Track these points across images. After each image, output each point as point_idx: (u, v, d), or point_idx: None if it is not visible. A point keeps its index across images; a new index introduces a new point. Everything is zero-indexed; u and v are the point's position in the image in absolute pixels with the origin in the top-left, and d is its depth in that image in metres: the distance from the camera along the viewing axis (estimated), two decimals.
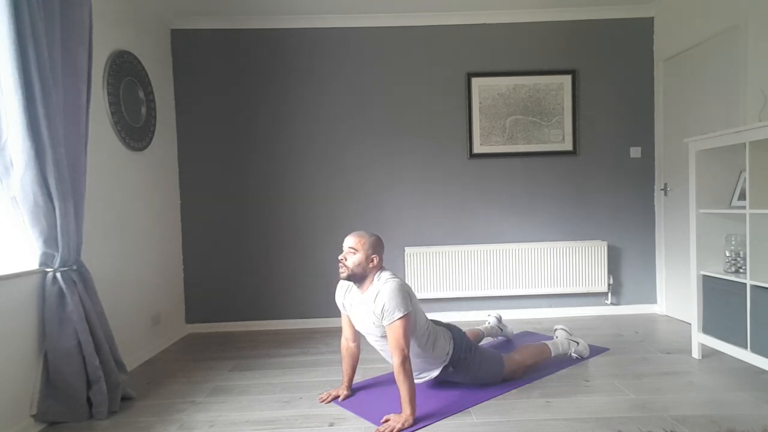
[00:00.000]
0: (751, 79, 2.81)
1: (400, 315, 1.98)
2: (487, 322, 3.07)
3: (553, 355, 2.59)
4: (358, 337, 2.34)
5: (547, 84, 3.72)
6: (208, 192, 3.71)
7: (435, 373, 2.28)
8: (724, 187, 2.64)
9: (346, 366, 2.34)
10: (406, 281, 3.65)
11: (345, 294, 2.26)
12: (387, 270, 2.16)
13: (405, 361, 1.97)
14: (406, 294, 2.04)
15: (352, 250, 2.09)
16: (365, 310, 2.12)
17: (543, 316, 3.75)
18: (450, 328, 2.36)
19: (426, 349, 2.19)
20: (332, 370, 2.71)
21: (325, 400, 2.26)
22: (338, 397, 2.28)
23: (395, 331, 1.99)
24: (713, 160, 2.64)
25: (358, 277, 2.12)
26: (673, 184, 3.59)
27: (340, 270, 2.12)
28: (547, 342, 2.63)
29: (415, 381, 2.25)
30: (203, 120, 3.69)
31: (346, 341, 2.34)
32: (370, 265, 2.10)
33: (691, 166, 2.67)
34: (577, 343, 2.72)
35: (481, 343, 2.85)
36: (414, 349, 2.14)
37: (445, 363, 2.26)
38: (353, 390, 2.37)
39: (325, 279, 3.74)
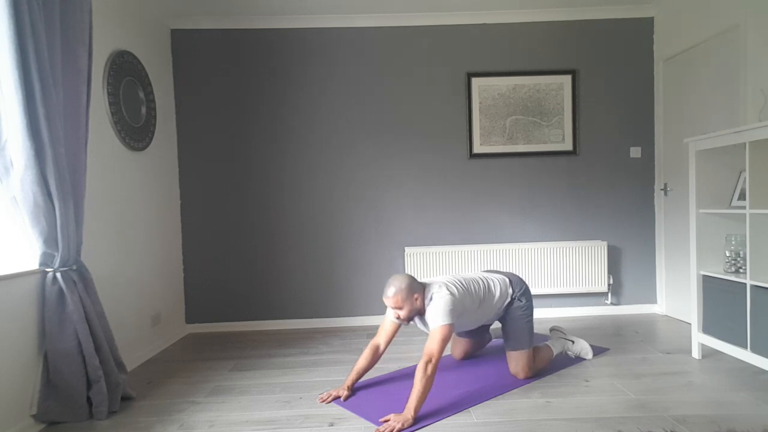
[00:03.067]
0: (751, 79, 2.81)
1: (442, 323, 2.14)
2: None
3: (554, 354, 2.63)
4: (388, 345, 2.42)
5: (547, 84, 3.72)
6: (208, 192, 3.71)
7: (503, 311, 2.48)
8: (724, 187, 2.64)
9: (361, 364, 2.37)
10: None
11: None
12: (431, 286, 2.29)
13: (430, 362, 2.05)
14: (452, 309, 2.19)
15: (397, 309, 2.23)
16: (427, 323, 2.29)
17: (543, 316, 3.75)
18: (508, 275, 2.56)
19: (486, 304, 2.39)
20: (332, 370, 2.71)
21: (326, 400, 2.26)
22: (339, 397, 2.28)
23: (434, 335, 2.12)
24: (713, 160, 2.64)
25: (417, 315, 2.29)
26: (673, 184, 3.59)
27: (402, 322, 2.29)
28: (548, 343, 2.65)
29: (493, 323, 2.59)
30: (203, 120, 3.69)
31: (376, 343, 2.39)
32: (418, 303, 2.24)
33: (691, 166, 2.67)
34: (573, 342, 2.74)
35: (488, 345, 2.99)
36: (477, 316, 2.39)
37: (511, 299, 2.46)
38: (353, 390, 2.37)
39: (325, 279, 3.74)
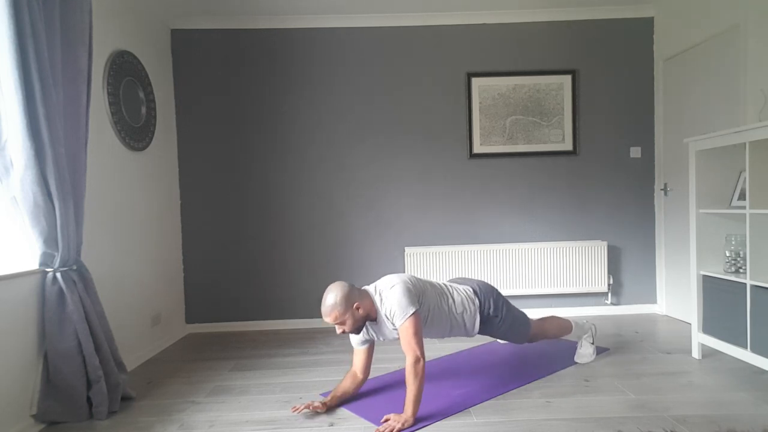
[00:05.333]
0: (751, 79, 2.81)
1: (409, 313, 2.00)
2: None
3: (573, 331, 2.67)
4: (367, 371, 2.29)
5: (547, 84, 3.72)
6: (208, 192, 3.71)
7: (473, 331, 2.32)
8: (724, 187, 2.64)
9: (344, 385, 2.24)
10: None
11: (364, 331, 2.19)
12: (379, 283, 2.14)
13: (417, 361, 1.98)
14: (409, 293, 2.05)
15: (339, 325, 2.03)
16: (384, 327, 2.13)
17: (543, 316, 3.74)
18: (478, 286, 2.37)
19: (450, 318, 2.23)
20: (332, 370, 2.71)
21: (299, 409, 2.09)
22: (311, 408, 2.10)
23: (406, 331, 2.00)
24: (713, 160, 2.64)
25: (365, 322, 2.11)
26: (673, 184, 3.59)
27: (350, 333, 2.09)
28: (572, 320, 2.69)
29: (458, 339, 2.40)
30: (203, 120, 3.69)
31: (355, 369, 2.27)
32: (361, 311, 2.05)
33: (691, 166, 2.67)
34: (592, 342, 2.72)
35: (486, 346, 2.96)
36: (442, 324, 2.21)
37: (477, 321, 2.30)
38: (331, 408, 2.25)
39: (325, 279, 3.74)
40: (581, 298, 3.78)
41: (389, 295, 2.05)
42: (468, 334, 2.34)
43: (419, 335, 2.01)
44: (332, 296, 2.01)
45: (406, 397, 1.99)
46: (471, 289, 2.34)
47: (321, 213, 3.74)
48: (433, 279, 2.37)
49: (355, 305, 2.03)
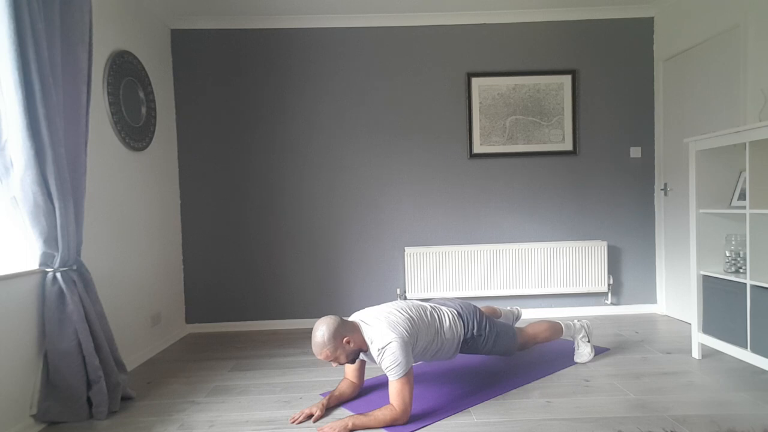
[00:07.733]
0: (751, 79, 2.81)
1: (398, 377, 1.97)
2: (509, 307, 3.01)
3: (563, 334, 2.64)
4: (361, 379, 2.31)
5: (547, 84, 3.72)
6: (208, 192, 3.71)
7: (454, 354, 2.34)
8: (724, 187, 2.64)
9: (341, 387, 2.27)
10: (406, 281, 3.65)
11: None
12: (369, 327, 2.07)
13: (402, 415, 1.96)
14: (406, 348, 2.00)
15: (332, 362, 2.04)
16: (375, 361, 2.10)
17: (543, 317, 3.75)
18: (460, 307, 2.36)
19: (436, 346, 2.22)
20: (332, 370, 2.71)
21: (298, 420, 2.07)
22: (311, 416, 2.10)
23: (396, 387, 1.99)
24: (713, 160, 2.64)
25: (359, 354, 2.10)
26: (673, 184, 3.59)
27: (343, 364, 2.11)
28: (561, 322, 2.66)
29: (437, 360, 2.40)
30: (203, 120, 3.69)
31: (349, 378, 2.29)
32: (352, 345, 2.03)
33: (691, 166, 2.67)
34: (588, 340, 2.72)
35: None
36: (426, 356, 2.23)
37: (460, 344, 2.31)
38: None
39: (325, 278, 3.74)
40: (581, 298, 3.78)
41: (387, 349, 1.98)
42: (448, 358, 2.34)
43: (411, 392, 2.00)
44: (320, 334, 1.99)
45: (369, 414, 1.97)
46: (455, 311, 2.33)
47: (321, 213, 3.74)
48: (418, 302, 2.33)
49: (345, 340, 2.01)
